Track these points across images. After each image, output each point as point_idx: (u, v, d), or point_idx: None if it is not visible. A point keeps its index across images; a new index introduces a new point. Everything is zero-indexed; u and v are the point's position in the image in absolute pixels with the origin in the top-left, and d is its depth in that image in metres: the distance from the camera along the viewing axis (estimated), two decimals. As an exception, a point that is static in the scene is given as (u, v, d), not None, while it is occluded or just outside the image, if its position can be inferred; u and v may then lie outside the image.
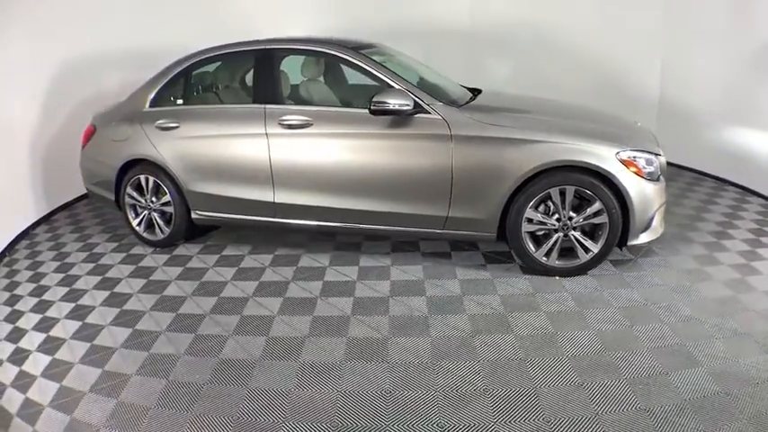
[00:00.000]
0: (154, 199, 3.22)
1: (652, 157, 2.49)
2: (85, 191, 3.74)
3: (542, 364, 1.97)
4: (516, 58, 4.77)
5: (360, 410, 1.77)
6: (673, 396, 1.75)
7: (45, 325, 2.49)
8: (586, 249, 2.55)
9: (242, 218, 3.05)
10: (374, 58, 2.86)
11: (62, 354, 2.24)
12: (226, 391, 1.91)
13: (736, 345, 2.02)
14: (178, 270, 2.97)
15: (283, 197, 2.87)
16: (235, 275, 2.85)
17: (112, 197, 3.34)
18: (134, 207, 3.31)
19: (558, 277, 2.63)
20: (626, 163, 2.42)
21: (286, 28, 3.75)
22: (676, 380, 1.83)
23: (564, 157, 2.41)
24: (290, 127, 2.76)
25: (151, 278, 2.90)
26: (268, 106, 2.85)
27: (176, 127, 3.02)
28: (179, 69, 3.13)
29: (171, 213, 3.17)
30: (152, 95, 3.17)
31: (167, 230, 3.22)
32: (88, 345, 2.28)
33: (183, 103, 3.16)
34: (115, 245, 3.41)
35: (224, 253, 3.16)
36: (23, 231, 3.68)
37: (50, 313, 2.60)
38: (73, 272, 3.05)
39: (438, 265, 2.84)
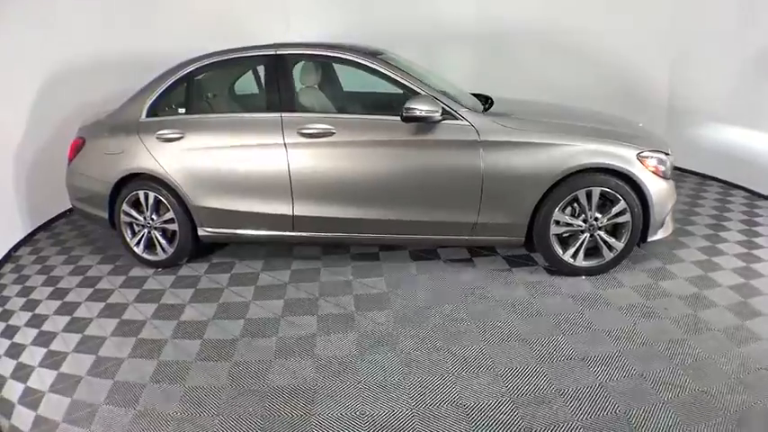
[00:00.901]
0: (154, 216, 2.95)
1: (664, 156, 2.58)
2: (62, 209, 3.38)
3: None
4: (523, 63, 4.67)
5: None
6: None
7: (52, 361, 2.21)
8: (610, 248, 2.60)
9: (255, 233, 2.88)
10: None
11: (80, 393, 1.99)
12: (288, 420, 1.76)
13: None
14: (189, 292, 2.75)
15: (303, 209, 2.72)
16: (256, 295, 2.67)
17: (105, 215, 3.04)
18: (131, 226, 3.02)
19: (584, 277, 2.66)
20: (645, 163, 2.49)
21: (283, 33, 3.57)
22: None
23: (593, 160, 2.45)
24: (311, 136, 2.63)
25: (162, 302, 2.66)
26: (285, 114, 2.69)
27: (180, 138, 2.80)
28: (179, 75, 2.90)
29: (173, 231, 2.94)
30: (149, 104, 2.92)
31: (170, 249, 2.98)
32: (111, 381, 2.04)
33: (186, 112, 2.92)
34: (110, 266, 3.12)
35: (235, 271, 2.97)
36: (5, 255, 3.27)
37: (56, 347, 2.31)
38: (70, 298, 2.77)
39: (465, 271, 2.80)
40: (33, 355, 2.27)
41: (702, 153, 4.17)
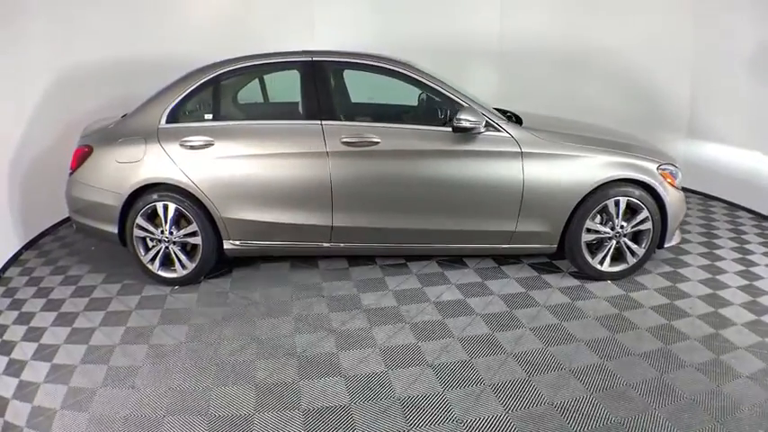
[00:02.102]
0: (173, 230, 2.70)
1: (675, 168, 2.81)
2: (48, 225, 3.01)
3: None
4: (542, 79, 4.70)
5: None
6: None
7: (75, 401, 1.93)
8: (633, 253, 2.76)
9: (289, 244, 2.73)
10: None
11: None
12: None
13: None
14: (220, 311, 2.54)
15: (343, 220, 2.64)
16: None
17: (115, 230, 2.75)
18: (144, 241, 2.74)
19: (609, 281, 2.80)
20: (663, 175, 2.69)
21: (308, 41, 3.47)
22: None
23: (623, 172, 2.62)
24: (355, 145, 2.56)
25: (192, 322, 2.44)
26: (325, 122, 2.60)
27: (209, 145, 2.60)
28: (203, 80, 2.72)
29: (194, 245, 2.74)
30: (168, 109, 2.70)
31: (191, 265, 2.74)
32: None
33: (214, 119, 2.72)
34: (117, 286, 2.83)
35: (275, 286, 2.77)
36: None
37: (77, 384, 2.03)
38: (80, 323, 2.46)
39: (498, 279, 2.85)
40: (55, 396, 1.97)
41: (724, 179, 4.05)
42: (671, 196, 2.70)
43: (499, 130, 2.62)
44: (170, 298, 2.71)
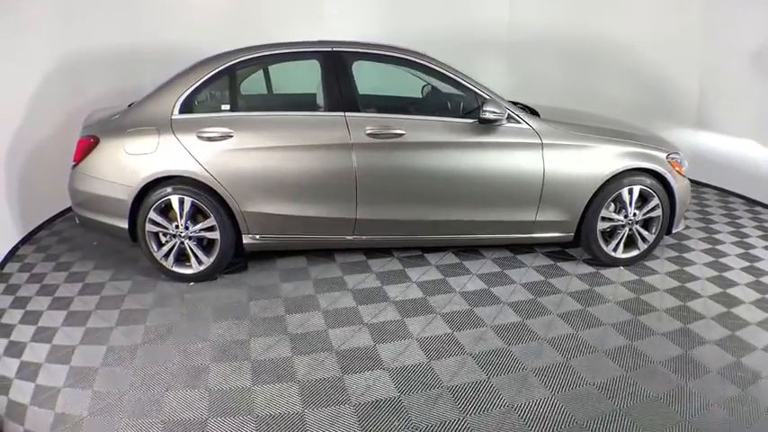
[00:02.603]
0: (189, 224, 2.60)
1: (681, 157, 2.93)
2: (42, 220, 2.86)
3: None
4: (553, 70, 4.70)
5: None
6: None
7: (99, 407, 1.84)
8: (643, 239, 2.87)
9: (311, 238, 2.68)
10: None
11: None
12: None
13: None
14: (243, 307, 2.48)
15: (367, 212, 2.61)
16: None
17: (125, 225, 2.62)
18: (156, 236, 2.63)
19: (622, 267, 2.90)
20: (672, 164, 2.80)
21: (316, 32, 3.39)
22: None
23: (637, 162, 2.70)
24: (381, 136, 2.52)
25: (216, 319, 2.37)
26: (348, 114, 2.55)
27: (229, 137, 2.51)
28: (218, 69, 2.61)
29: (210, 240, 2.64)
30: (182, 99, 2.58)
31: (208, 261, 2.65)
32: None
33: (232, 109, 2.62)
34: (127, 283, 2.72)
35: (295, 280, 2.71)
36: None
37: (101, 388, 1.93)
38: (94, 323, 2.33)
39: (517, 268, 2.89)
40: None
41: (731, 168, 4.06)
42: (679, 184, 2.82)
43: (519, 122, 2.65)
44: (187, 295, 2.61)
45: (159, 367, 2.02)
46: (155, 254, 2.68)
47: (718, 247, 3.19)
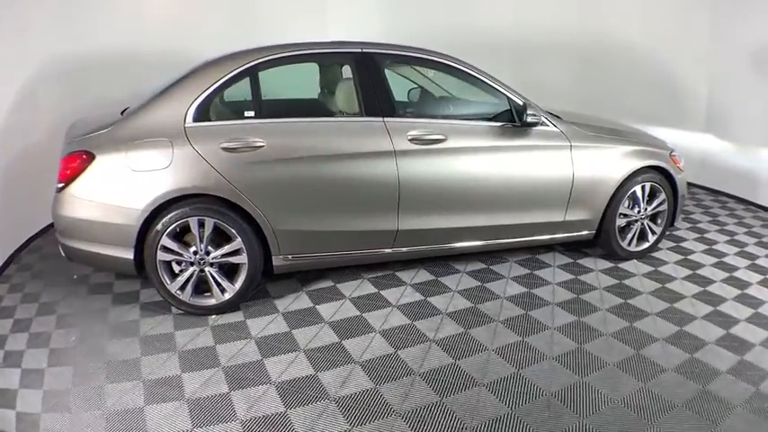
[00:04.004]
0: (210, 248, 2.30)
1: (679, 154, 3.22)
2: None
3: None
4: (559, 73, 4.72)
5: None
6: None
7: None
8: (653, 232, 3.10)
9: (346, 254, 2.50)
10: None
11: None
12: None
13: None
14: (291, 335, 2.23)
15: (409, 223, 2.50)
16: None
17: (130, 256, 2.24)
18: (169, 265, 2.28)
19: (635, 260, 3.10)
20: (674, 160, 3.07)
21: (322, 35, 3.22)
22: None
23: (650, 161, 2.91)
24: (424, 142, 2.44)
25: (262, 358, 2.09)
26: (387, 119, 2.43)
27: (258, 147, 2.26)
28: (237, 70, 2.34)
29: (234, 266, 2.35)
30: (195, 105, 2.28)
31: (233, 288, 2.36)
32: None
33: (258, 115, 2.37)
34: (148, 319, 2.31)
35: (330, 300, 2.51)
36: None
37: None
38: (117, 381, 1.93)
39: (543, 268, 2.94)
40: None
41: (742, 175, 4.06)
42: (681, 179, 3.08)
43: (547, 125, 2.71)
44: (216, 330, 2.28)
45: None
46: (168, 286, 2.30)
47: (706, 235, 3.54)
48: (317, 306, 2.50)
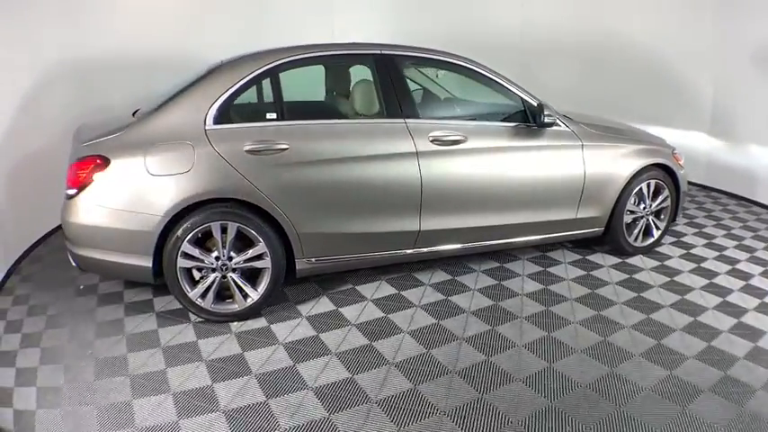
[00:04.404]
0: (233, 254, 2.28)
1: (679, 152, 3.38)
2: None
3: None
4: (565, 73, 4.77)
5: None
6: None
7: None
8: (657, 228, 3.24)
9: (370, 256, 2.53)
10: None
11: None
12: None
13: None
14: (319, 340, 2.23)
15: (431, 223, 2.55)
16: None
17: (149, 263, 2.21)
18: (189, 272, 2.26)
19: (640, 256, 3.23)
20: (675, 158, 3.23)
21: (329, 35, 3.24)
22: None
23: (655, 159, 3.04)
24: (445, 143, 2.50)
25: (293, 361, 2.09)
26: (409, 120, 2.48)
27: (283, 150, 2.26)
28: (258, 71, 2.34)
29: (257, 270, 2.34)
30: (216, 106, 2.27)
31: (256, 294, 2.35)
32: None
33: (281, 117, 2.36)
34: (165, 330, 2.27)
35: (351, 303, 2.51)
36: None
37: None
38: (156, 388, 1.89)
39: (555, 265, 3.03)
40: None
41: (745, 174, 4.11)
42: (682, 176, 3.24)
43: (559, 125, 2.81)
44: (241, 336, 2.26)
45: None
46: (189, 294, 2.27)
47: (705, 230, 3.71)
48: (339, 309, 2.50)
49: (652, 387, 1.92)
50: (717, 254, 3.26)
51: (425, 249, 2.63)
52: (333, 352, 2.14)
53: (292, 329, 2.32)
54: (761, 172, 4.16)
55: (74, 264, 2.33)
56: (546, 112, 2.62)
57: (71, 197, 2.16)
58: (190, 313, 2.38)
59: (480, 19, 4.89)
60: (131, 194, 2.16)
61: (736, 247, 3.39)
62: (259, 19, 4.15)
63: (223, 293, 2.35)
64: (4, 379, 1.94)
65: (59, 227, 3.48)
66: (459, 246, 2.71)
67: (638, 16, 4.57)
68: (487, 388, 1.91)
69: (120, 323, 2.36)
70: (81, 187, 2.14)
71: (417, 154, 2.45)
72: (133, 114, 2.52)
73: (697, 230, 3.69)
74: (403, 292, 2.67)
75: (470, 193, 2.59)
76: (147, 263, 2.20)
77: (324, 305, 2.53)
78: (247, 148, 2.23)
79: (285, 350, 2.16)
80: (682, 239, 3.51)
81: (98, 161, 2.14)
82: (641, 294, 2.69)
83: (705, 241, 3.48)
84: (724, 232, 3.65)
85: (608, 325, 2.37)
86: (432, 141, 2.48)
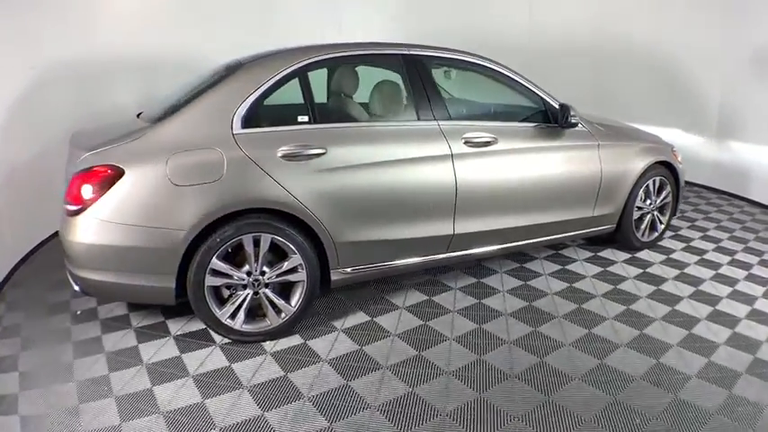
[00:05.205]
0: (265, 269, 2.22)
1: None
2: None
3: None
4: (573, 74, 4.86)
5: None
6: None
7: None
8: (660, 222, 3.49)
9: (404, 263, 2.54)
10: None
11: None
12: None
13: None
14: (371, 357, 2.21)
15: (464, 226, 2.60)
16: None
17: (171, 284, 2.08)
18: (216, 291, 2.17)
19: (647, 250, 3.47)
20: (674, 155, 3.50)
21: (335, 35, 3.21)
22: None
23: (660, 156, 3.27)
24: (478, 145, 2.56)
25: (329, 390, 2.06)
26: (441, 122, 2.52)
27: (320, 155, 2.22)
28: (287, 70, 2.27)
29: (284, 285, 2.27)
30: (242, 110, 2.18)
31: (290, 309, 2.29)
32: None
33: (314, 120, 2.30)
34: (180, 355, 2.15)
35: (384, 312, 2.50)
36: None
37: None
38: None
39: (571, 263, 3.17)
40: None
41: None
42: (681, 171, 3.50)
43: (576, 126, 2.96)
44: (279, 356, 2.18)
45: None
46: (217, 314, 2.15)
47: (698, 223, 4.02)
48: (374, 319, 2.48)
49: (697, 374, 2.07)
50: (715, 246, 3.54)
51: (458, 253, 2.66)
52: (384, 366, 2.11)
53: (332, 344, 2.26)
54: (752, 170, 4.46)
55: (76, 287, 2.14)
56: (572, 113, 2.73)
57: (74, 213, 1.98)
58: (217, 336, 2.25)
59: (488, 19, 4.98)
60: (151, 208, 2.01)
61: (731, 238, 3.70)
62: (264, 18, 4.03)
63: (251, 311, 2.24)
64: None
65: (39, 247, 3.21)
66: (489, 248, 2.76)
67: (645, 18, 4.70)
68: (551, 390, 1.96)
69: (135, 352, 2.19)
70: (87, 202, 1.96)
71: (452, 156, 2.47)
72: (137, 116, 2.35)
73: (690, 223, 4.00)
74: (434, 298, 2.69)
75: (502, 195, 2.65)
76: (170, 283, 2.06)
77: (357, 316, 2.49)
78: (282, 153, 2.15)
79: (331, 367, 2.10)
80: (679, 233, 3.79)
81: (109, 171, 1.97)
82: (660, 287, 2.88)
83: (701, 234, 3.78)
84: (714, 225, 3.98)
85: (640, 318, 2.51)
86: (465, 143, 2.52)
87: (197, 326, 2.37)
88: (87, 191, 1.98)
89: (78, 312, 2.50)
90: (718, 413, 1.84)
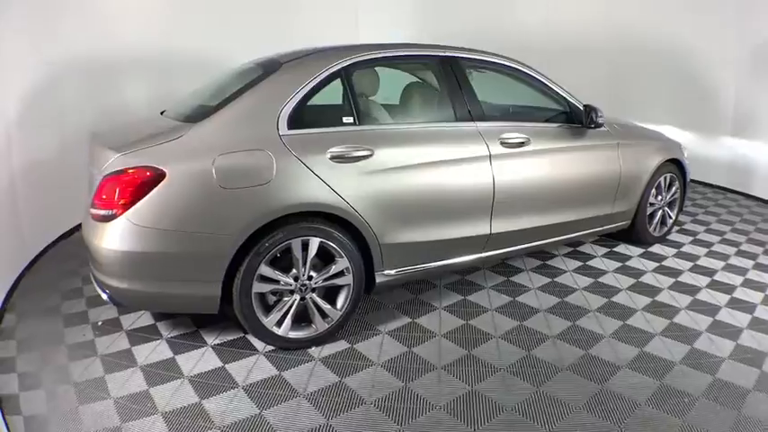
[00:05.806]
0: (313, 273, 2.24)
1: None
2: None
3: None
4: (586, 74, 4.93)
5: None
6: None
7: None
8: (670, 217, 3.73)
9: (443, 264, 2.62)
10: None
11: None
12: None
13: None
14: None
15: (500, 226, 2.70)
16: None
17: (217, 292, 2.07)
18: (262, 297, 2.18)
19: (658, 244, 3.69)
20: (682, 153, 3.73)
21: (353, 35, 3.25)
22: None
23: (671, 154, 3.49)
24: (513, 146, 2.67)
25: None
26: (479, 124, 2.61)
27: (368, 156, 2.27)
28: (328, 71, 2.30)
29: (329, 289, 2.30)
30: (288, 110, 2.19)
31: (336, 313, 2.33)
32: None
33: (359, 122, 2.32)
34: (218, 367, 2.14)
35: (425, 313, 2.57)
36: None
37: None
38: None
39: (591, 259, 3.32)
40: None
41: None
42: (688, 168, 3.74)
43: (602, 126, 3.12)
44: (328, 362, 2.20)
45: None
46: (264, 321, 2.16)
47: (700, 217, 4.29)
48: (416, 320, 2.54)
49: (729, 355, 2.26)
50: (720, 239, 3.80)
51: (492, 253, 2.75)
52: (438, 366, 2.17)
53: (380, 347, 2.31)
54: (743, 165, 4.78)
55: (105, 297, 2.09)
56: (600, 114, 2.88)
57: (105, 218, 1.93)
58: (260, 343, 2.25)
59: (505, 18, 5.09)
60: (196, 212, 1.99)
61: (733, 230, 3.98)
62: (281, 18, 4.01)
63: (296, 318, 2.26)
64: None
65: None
66: (518, 247, 2.87)
67: (660, 17, 4.83)
68: (603, 378, 2.08)
69: (172, 363, 2.16)
70: (121, 206, 1.92)
71: (490, 156, 2.56)
72: (161, 114, 2.33)
73: (691, 217, 4.26)
74: (469, 297, 2.77)
75: (535, 194, 2.77)
76: (215, 291, 2.05)
77: (398, 319, 2.54)
78: (332, 154, 2.17)
79: (386, 370, 2.14)
80: (684, 227, 4.04)
81: (148, 174, 1.93)
82: (678, 279, 3.07)
83: (705, 228, 4.04)
84: (715, 218, 4.27)
85: (668, 309, 2.69)
86: (502, 144, 2.61)
87: (233, 334, 2.36)
88: (121, 194, 1.92)
89: (100, 323, 2.43)
90: (755, 389, 2.01)
